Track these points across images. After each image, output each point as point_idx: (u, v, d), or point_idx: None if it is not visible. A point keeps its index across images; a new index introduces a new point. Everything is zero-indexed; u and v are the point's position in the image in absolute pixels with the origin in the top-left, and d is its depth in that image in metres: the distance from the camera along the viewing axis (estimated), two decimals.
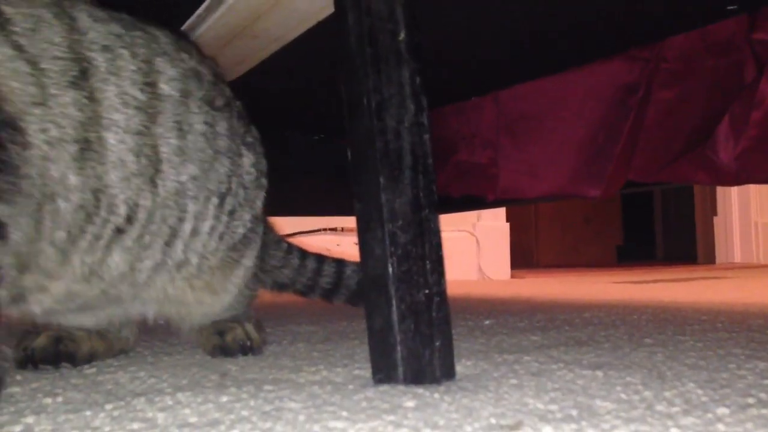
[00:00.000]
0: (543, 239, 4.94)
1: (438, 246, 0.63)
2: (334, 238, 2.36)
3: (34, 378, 0.68)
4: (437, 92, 1.46)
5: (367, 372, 0.64)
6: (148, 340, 0.95)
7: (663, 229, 5.38)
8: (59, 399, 0.59)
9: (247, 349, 0.81)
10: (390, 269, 0.60)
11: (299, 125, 1.66)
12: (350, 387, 0.61)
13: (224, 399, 0.57)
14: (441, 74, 1.33)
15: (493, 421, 0.49)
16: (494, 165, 1.48)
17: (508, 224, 3.05)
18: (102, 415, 0.53)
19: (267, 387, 0.62)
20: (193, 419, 0.51)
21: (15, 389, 0.63)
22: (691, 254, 4.54)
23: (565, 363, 0.70)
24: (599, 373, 0.64)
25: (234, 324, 0.83)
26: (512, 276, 3.02)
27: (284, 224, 2.28)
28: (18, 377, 0.69)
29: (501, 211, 3.00)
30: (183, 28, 0.97)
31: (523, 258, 4.04)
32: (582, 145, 1.30)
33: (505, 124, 1.45)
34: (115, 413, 0.53)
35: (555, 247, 4.97)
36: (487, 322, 1.11)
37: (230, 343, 0.81)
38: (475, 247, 2.91)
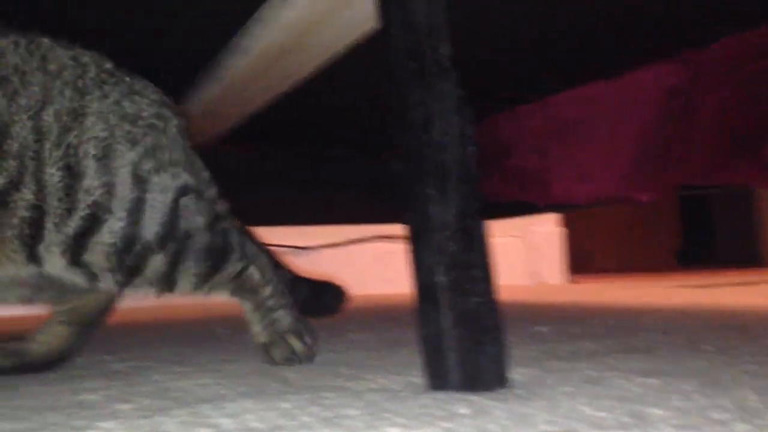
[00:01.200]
0: (601, 243, 4.86)
1: (486, 254, 0.65)
2: (387, 246, 2.38)
3: (107, 386, 0.72)
4: (487, 100, 1.47)
5: (421, 379, 0.66)
6: (211, 350, 0.99)
7: (724, 231, 5.23)
8: (132, 405, 0.62)
9: None
10: (439, 278, 0.62)
11: (342, 137, 1.69)
12: (406, 394, 0.63)
13: (286, 405, 0.59)
14: (491, 82, 1.34)
15: (546, 428, 0.50)
16: (545, 171, 1.48)
17: (563, 229, 3.03)
18: (172, 420, 0.56)
19: (326, 394, 0.64)
20: (257, 425, 0.53)
21: (90, 396, 0.67)
22: (754, 257, 4.41)
23: (620, 370, 0.71)
24: (654, 381, 0.65)
25: None
26: (570, 281, 2.99)
27: (336, 233, 2.32)
28: (92, 384, 0.73)
29: (556, 216, 2.98)
30: (236, 41, 1.01)
31: (581, 263, 3.99)
32: (632, 149, 1.29)
33: (556, 130, 1.45)
34: (184, 419, 0.56)
35: (614, 251, 4.89)
36: (541, 328, 1.11)
37: None
38: (529, 252, 2.90)
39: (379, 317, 1.48)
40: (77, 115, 0.78)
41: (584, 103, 1.39)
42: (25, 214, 0.75)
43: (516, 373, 0.70)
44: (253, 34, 0.95)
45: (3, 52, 0.78)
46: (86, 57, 0.83)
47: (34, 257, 0.76)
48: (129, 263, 0.78)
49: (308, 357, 0.85)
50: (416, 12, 0.65)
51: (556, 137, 1.46)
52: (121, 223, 0.77)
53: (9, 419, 0.59)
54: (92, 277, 0.78)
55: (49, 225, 0.75)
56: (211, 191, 0.88)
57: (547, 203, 1.52)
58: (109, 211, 0.77)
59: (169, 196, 0.80)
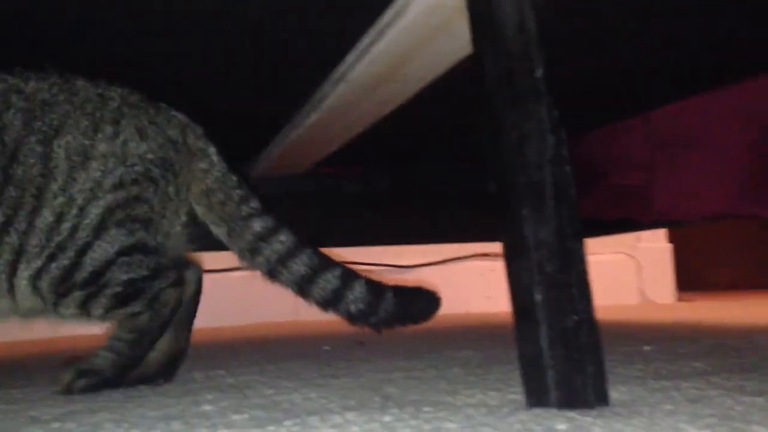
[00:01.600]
0: (713, 260, 4.63)
1: (584, 273, 0.65)
2: (488, 263, 2.38)
3: (223, 398, 0.77)
4: (585, 117, 1.46)
5: (520, 396, 0.67)
6: (316, 366, 1.03)
7: None
8: (246, 416, 0.67)
9: None
10: (537, 297, 0.63)
11: (442, 155, 1.71)
12: (504, 410, 0.64)
13: (387, 419, 0.62)
14: (589, 99, 1.33)
15: None
16: (648, 187, 1.45)
17: (671, 245, 2.92)
18: (282, 430, 0.59)
19: (426, 408, 0.66)
20: None
21: (208, 407, 0.72)
22: None
23: (725, 389, 0.69)
24: (760, 400, 0.63)
25: None
26: (679, 299, 2.88)
27: (436, 251, 2.34)
28: (209, 396, 0.79)
29: (662, 232, 2.88)
30: (335, 75, 1.06)
31: (691, 280, 3.83)
32: (747, 162, 1.25)
33: (659, 145, 1.42)
34: (293, 429, 0.60)
35: (725, 267, 4.65)
36: (646, 347, 1.09)
37: None
38: (635, 269, 2.81)
39: (480, 335, 1.49)
40: (85, 158, 0.88)
41: (691, 116, 1.35)
42: (9, 257, 0.86)
43: (617, 392, 0.70)
44: (351, 64, 1.00)
45: (38, 90, 0.89)
46: (114, 92, 0.92)
47: (11, 289, 0.87)
48: (60, 291, 0.87)
49: (67, 391, 0.87)
50: (509, 39, 0.67)
51: (660, 152, 1.43)
52: (66, 262, 0.87)
53: (139, 427, 0.64)
54: (44, 300, 0.88)
55: (23, 263, 0.86)
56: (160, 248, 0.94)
57: (651, 220, 1.49)
58: (65, 249, 0.87)
59: (114, 249, 0.88)
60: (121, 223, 0.89)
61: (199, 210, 0.97)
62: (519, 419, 0.59)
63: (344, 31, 0.94)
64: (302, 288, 0.96)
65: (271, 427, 0.61)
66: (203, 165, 0.97)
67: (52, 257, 0.87)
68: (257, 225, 0.96)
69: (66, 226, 0.87)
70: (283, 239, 0.96)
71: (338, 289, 0.95)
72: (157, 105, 0.95)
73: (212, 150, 0.98)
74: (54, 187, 0.86)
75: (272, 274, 0.96)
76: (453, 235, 1.84)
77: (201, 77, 1.11)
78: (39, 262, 0.86)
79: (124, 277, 0.89)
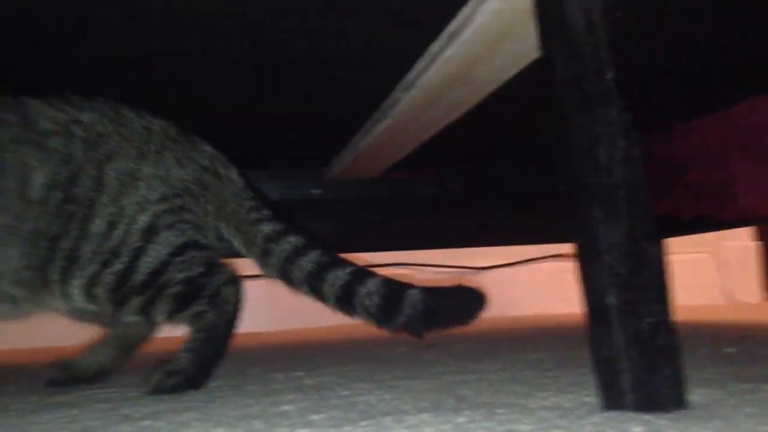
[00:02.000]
0: None
1: (660, 274, 0.65)
2: (562, 265, 2.35)
3: (301, 399, 0.80)
4: (665, 114, 1.43)
5: (595, 399, 0.67)
6: (391, 368, 1.05)
7: None
8: (323, 416, 0.69)
9: None
10: (610, 300, 0.63)
11: (511, 157, 1.70)
12: (578, 412, 0.64)
13: (461, 420, 0.63)
14: (669, 95, 1.31)
15: None
16: (730, 184, 1.40)
17: (759, 243, 2.81)
18: (358, 430, 0.61)
19: (499, 410, 0.67)
20: None
21: (288, 407, 0.75)
22: None
23: None
24: None
25: None
26: (766, 299, 2.76)
27: (510, 252, 2.33)
28: (289, 397, 0.81)
29: (748, 230, 2.77)
30: (406, 79, 1.07)
31: None
32: None
33: (740, 141, 1.37)
34: (369, 429, 0.62)
35: None
36: (728, 349, 1.06)
37: None
38: (721, 269, 2.72)
39: (554, 337, 1.47)
40: (133, 178, 0.96)
41: None
42: (63, 264, 0.92)
43: (696, 395, 0.69)
44: (421, 70, 1.01)
45: (94, 122, 0.98)
46: (156, 126, 1.01)
47: (65, 295, 0.94)
48: (117, 298, 0.94)
49: (155, 391, 0.92)
50: (578, 42, 0.67)
51: (742, 148, 1.38)
52: (119, 266, 0.92)
53: (222, 425, 0.68)
54: (102, 306, 0.95)
55: (76, 270, 0.93)
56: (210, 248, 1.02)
57: (735, 218, 1.44)
58: (118, 254, 0.93)
59: (167, 251, 0.95)
60: (171, 226, 0.96)
61: (222, 225, 1.04)
62: (593, 422, 0.59)
63: (414, 39, 0.95)
64: (313, 286, 0.98)
65: (347, 427, 0.63)
66: (227, 186, 1.05)
67: (105, 263, 0.93)
68: (266, 228, 1.02)
69: (118, 232, 0.94)
70: (292, 240, 1.00)
71: (349, 284, 0.96)
72: (191, 137, 1.05)
73: (234, 172, 1.07)
74: (105, 199, 0.94)
75: (284, 274, 1.00)
76: (526, 237, 1.83)
77: (280, 82, 1.14)
78: (92, 269, 0.93)
79: (181, 276, 0.95)
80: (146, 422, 0.71)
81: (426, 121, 1.21)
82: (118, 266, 0.93)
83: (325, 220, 1.64)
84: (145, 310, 0.96)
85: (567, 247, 2.23)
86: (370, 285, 0.95)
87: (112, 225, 0.94)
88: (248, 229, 1.03)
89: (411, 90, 1.06)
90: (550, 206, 1.69)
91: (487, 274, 2.37)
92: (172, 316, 0.96)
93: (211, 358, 0.97)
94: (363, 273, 0.97)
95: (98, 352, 1.08)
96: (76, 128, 0.96)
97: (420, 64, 1.01)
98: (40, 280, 0.93)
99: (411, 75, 1.05)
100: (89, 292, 0.94)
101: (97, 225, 0.93)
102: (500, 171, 1.73)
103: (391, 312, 0.95)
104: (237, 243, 1.04)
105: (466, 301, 1.00)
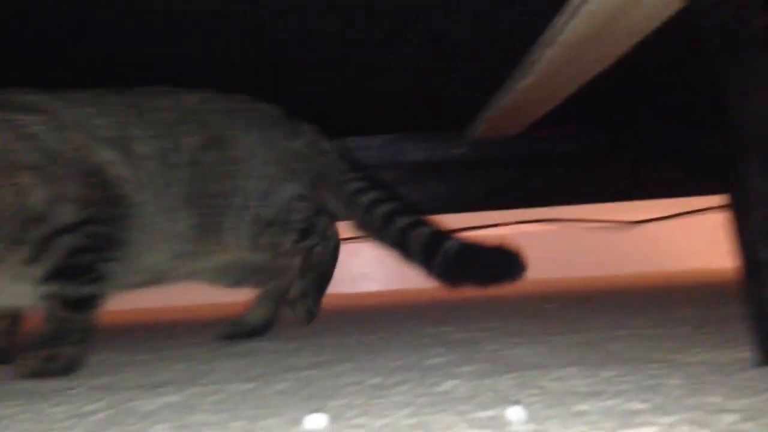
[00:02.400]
0: None
1: None
2: (716, 217, 2.22)
3: (450, 352, 0.84)
4: None
5: (749, 354, 0.66)
6: (539, 324, 1.06)
7: None
8: (472, 367, 0.73)
9: None
10: (763, 255, 0.61)
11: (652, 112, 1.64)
12: (731, 368, 0.63)
13: (608, 374, 0.65)
14: None
15: None
16: None
17: None
18: (505, 382, 0.64)
19: (648, 366, 0.67)
20: (580, 389, 0.59)
21: (437, 360, 0.79)
22: None
23: None
24: None
25: None
26: None
27: (665, 206, 2.24)
28: (440, 350, 0.86)
29: None
30: (545, 35, 1.06)
31: None
32: None
33: None
34: (516, 381, 0.64)
35: None
36: None
37: None
38: None
39: (710, 292, 1.42)
40: (255, 150, 1.13)
41: None
42: (247, 217, 1.11)
43: None
44: (560, 27, 1.00)
45: (227, 103, 1.15)
46: (262, 106, 1.19)
47: (254, 246, 1.12)
48: (253, 231, 1.12)
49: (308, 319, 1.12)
50: None
51: None
52: (253, 211, 1.11)
53: (379, 375, 0.73)
54: (266, 253, 1.14)
55: (243, 217, 1.11)
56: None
57: None
58: (264, 200, 1.12)
59: (286, 196, 1.14)
60: (292, 179, 1.15)
61: (324, 192, 1.21)
62: (745, 377, 0.59)
63: None
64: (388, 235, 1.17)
65: (494, 378, 0.66)
66: (325, 158, 1.22)
67: (244, 208, 1.11)
68: (353, 185, 1.20)
69: (250, 185, 1.11)
70: (371, 191, 1.20)
71: (406, 228, 1.15)
72: (290, 117, 1.21)
73: (328, 146, 1.24)
74: (253, 161, 1.12)
75: (350, 209, 1.20)
76: (669, 190, 1.77)
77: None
78: (250, 214, 1.11)
79: (300, 216, 1.14)
80: (307, 372, 0.78)
81: (567, 78, 1.19)
82: (252, 211, 1.11)
83: (470, 178, 1.68)
84: (276, 241, 1.13)
85: (719, 200, 2.12)
86: (422, 231, 1.14)
87: (246, 180, 1.11)
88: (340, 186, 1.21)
89: (551, 46, 1.05)
90: (691, 160, 1.63)
91: (641, 228, 2.30)
92: (295, 245, 1.14)
93: (319, 294, 1.14)
94: (420, 222, 1.15)
95: (259, 307, 1.20)
96: (215, 105, 1.14)
97: (560, 19, 1.00)
98: (213, 236, 1.10)
99: (550, 31, 1.04)
100: (252, 233, 1.12)
101: (250, 181, 1.11)
102: (640, 125, 1.68)
103: (429, 257, 1.11)
104: (332, 204, 1.21)
105: (503, 262, 1.07)
